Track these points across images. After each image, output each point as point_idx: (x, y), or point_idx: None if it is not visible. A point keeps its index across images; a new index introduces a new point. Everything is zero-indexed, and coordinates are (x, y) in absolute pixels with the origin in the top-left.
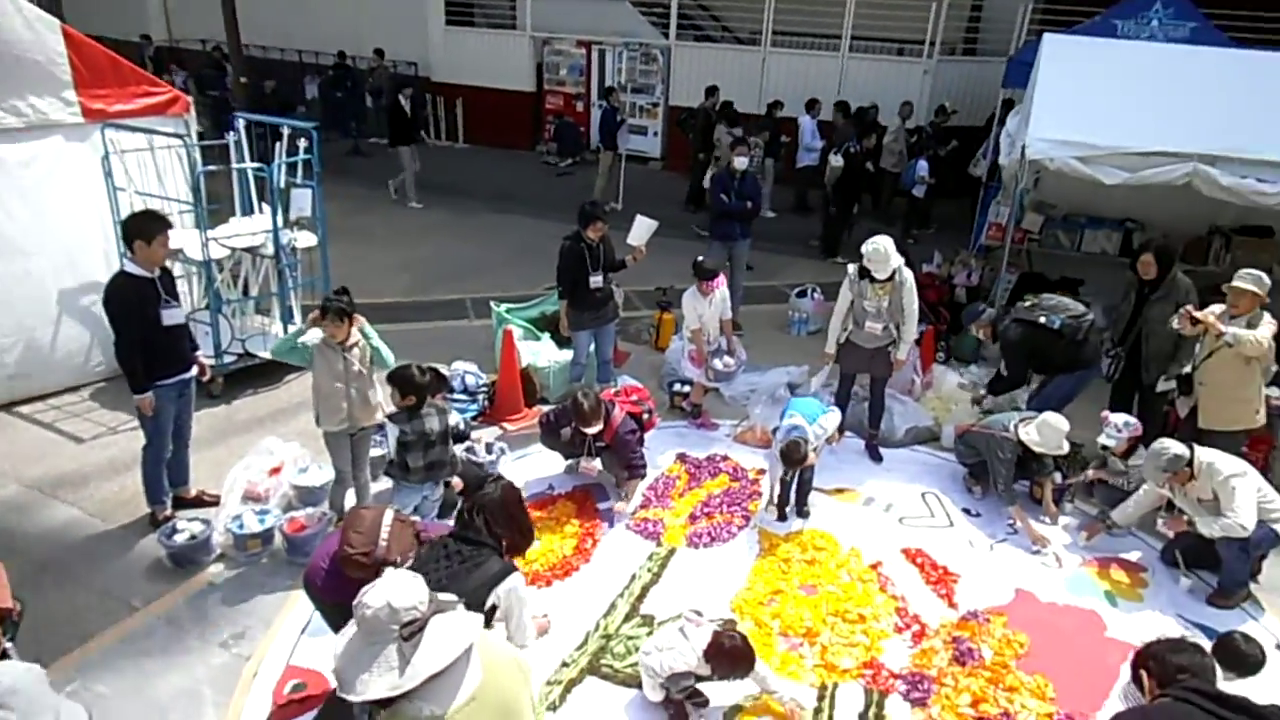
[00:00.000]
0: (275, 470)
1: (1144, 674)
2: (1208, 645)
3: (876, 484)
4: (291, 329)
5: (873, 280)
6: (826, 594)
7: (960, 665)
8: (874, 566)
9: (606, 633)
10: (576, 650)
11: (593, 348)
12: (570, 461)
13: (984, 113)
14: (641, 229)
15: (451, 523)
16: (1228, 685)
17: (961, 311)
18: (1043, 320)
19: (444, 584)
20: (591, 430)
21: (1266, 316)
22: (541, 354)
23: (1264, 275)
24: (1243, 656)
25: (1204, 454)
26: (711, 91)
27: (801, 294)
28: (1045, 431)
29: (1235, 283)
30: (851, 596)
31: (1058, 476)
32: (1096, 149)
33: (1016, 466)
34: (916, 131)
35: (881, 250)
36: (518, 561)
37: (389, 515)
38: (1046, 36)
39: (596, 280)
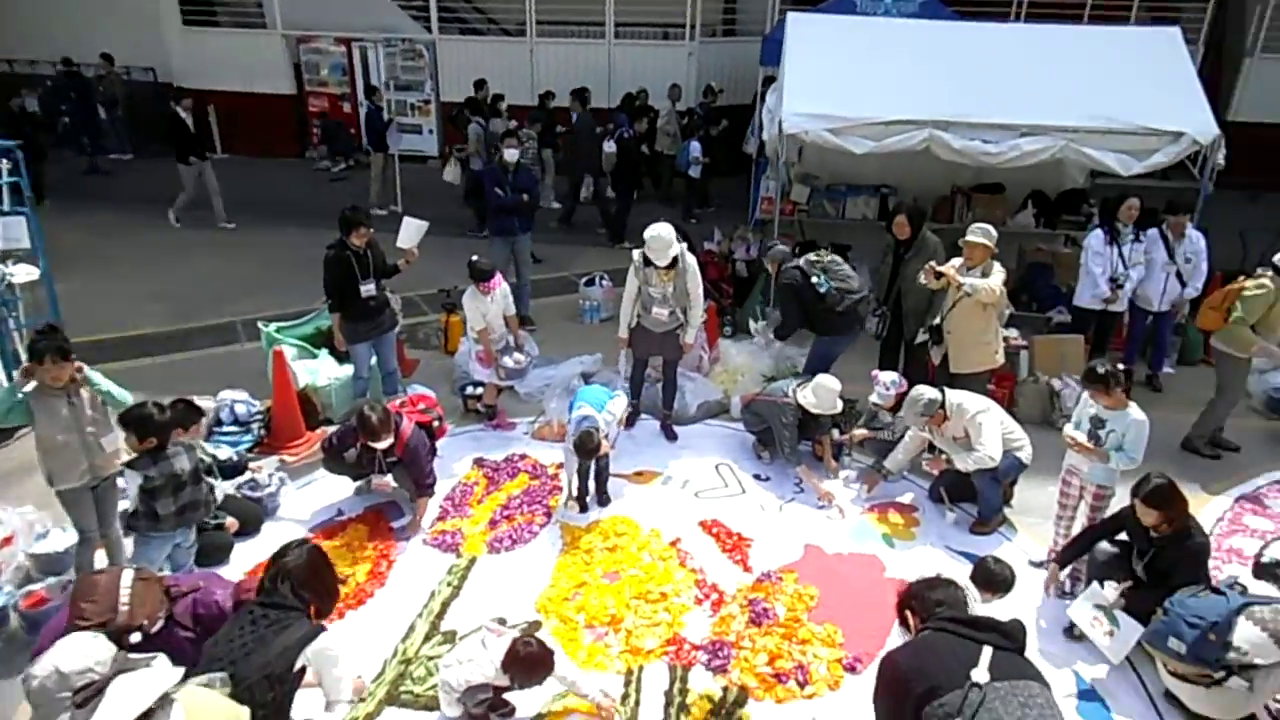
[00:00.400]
0: (6, 541)
1: (908, 613)
2: (967, 572)
3: (673, 462)
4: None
5: (656, 267)
6: (629, 578)
7: (757, 626)
8: (673, 543)
9: (405, 657)
10: (373, 682)
11: (374, 359)
12: (360, 482)
13: (749, 91)
14: (411, 230)
15: (219, 571)
16: (987, 605)
17: (745, 286)
18: (814, 280)
19: (249, 649)
20: (381, 445)
21: (997, 266)
22: (320, 372)
23: (991, 229)
24: (994, 576)
25: (954, 396)
26: (480, 85)
27: (590, 283)
28: (820, 393)
29: (968, 237)
30: (653, 576)
31: (836, 433)
32: (845, 120)
33: (798, 428)
34: (688, 113)
35: (662, 238)
36: None
37: (128, 576)
38: (790, 15)
39: (368, 288)
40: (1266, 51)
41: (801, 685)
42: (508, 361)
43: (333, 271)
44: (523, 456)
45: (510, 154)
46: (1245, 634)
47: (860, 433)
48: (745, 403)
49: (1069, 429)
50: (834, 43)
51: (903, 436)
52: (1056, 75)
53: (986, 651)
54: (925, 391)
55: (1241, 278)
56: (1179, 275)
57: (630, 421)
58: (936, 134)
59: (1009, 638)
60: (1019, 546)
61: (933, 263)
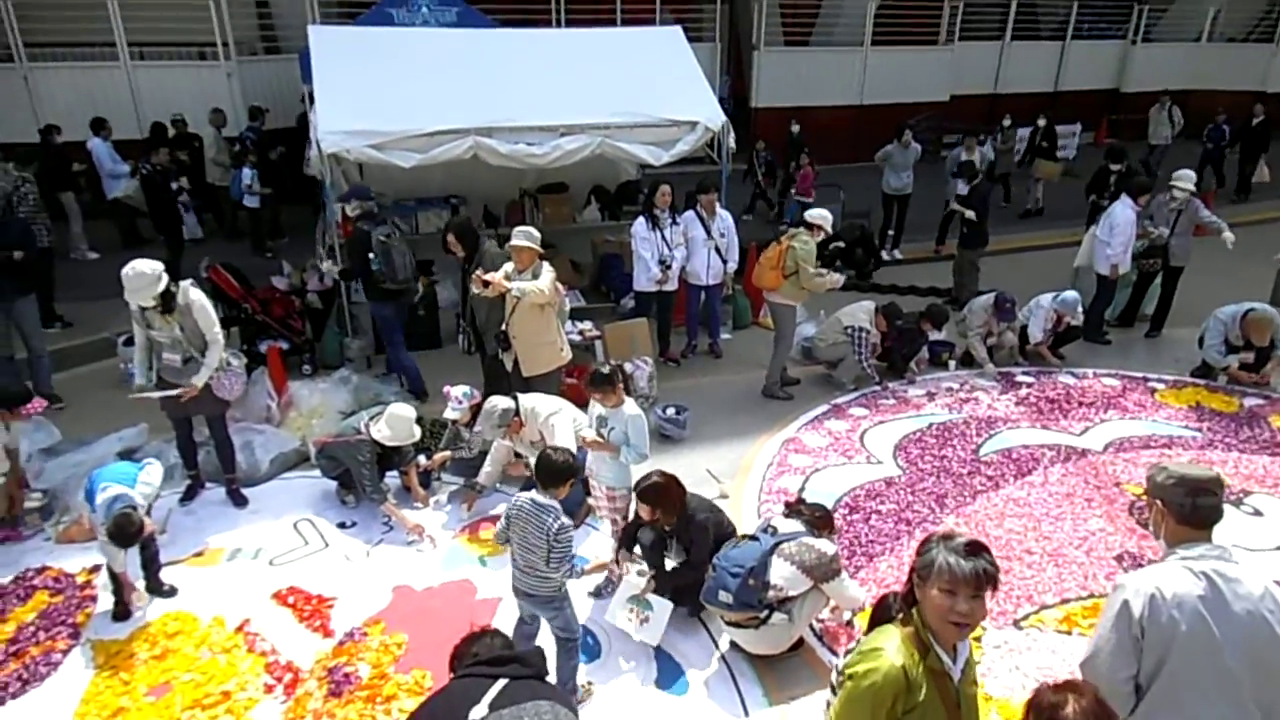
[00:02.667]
0: None
1: (452, 675)
2: None
3: (243, 531)
4: None
5: (153, 309)
6: (182, 686)
7: (337, 697)
8: (240, 628)
9: None
10: None
11: None
12: None
13: (300, 111)
14: None
15: None
16: None
17: (322, 319)
18: (370, 254)
19: None
20: None
21: (546, 266)
22: None
23: (533, 231)
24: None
25: (527, 401)
26: None
27: (130, 342)
28: (394, 424)
29: (512, 242)
30: (213, 675)
31: (423, 459)
32: (386, 135)
33: (380, 463)
34: (239, 139)
35: (132, 276)
36: None
37: None
38: (312, 29)
39: None
40: (769, 45)
41: None
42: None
43: None
44: (40, 570)
45: None
46: (779, 571)
47: (440, 456)
48: (319, 447)
49: (585, 431)
50: (364, 56)
51: (483, 451)
52: (586, 76)
53: (499, 684)
54: (499, 402)
55: (776, 242)
56: (718, 250)
57: (190, 494)
58: (481, 140)
59: (527, 664)
60: (605, 532)
61: (479, 271)
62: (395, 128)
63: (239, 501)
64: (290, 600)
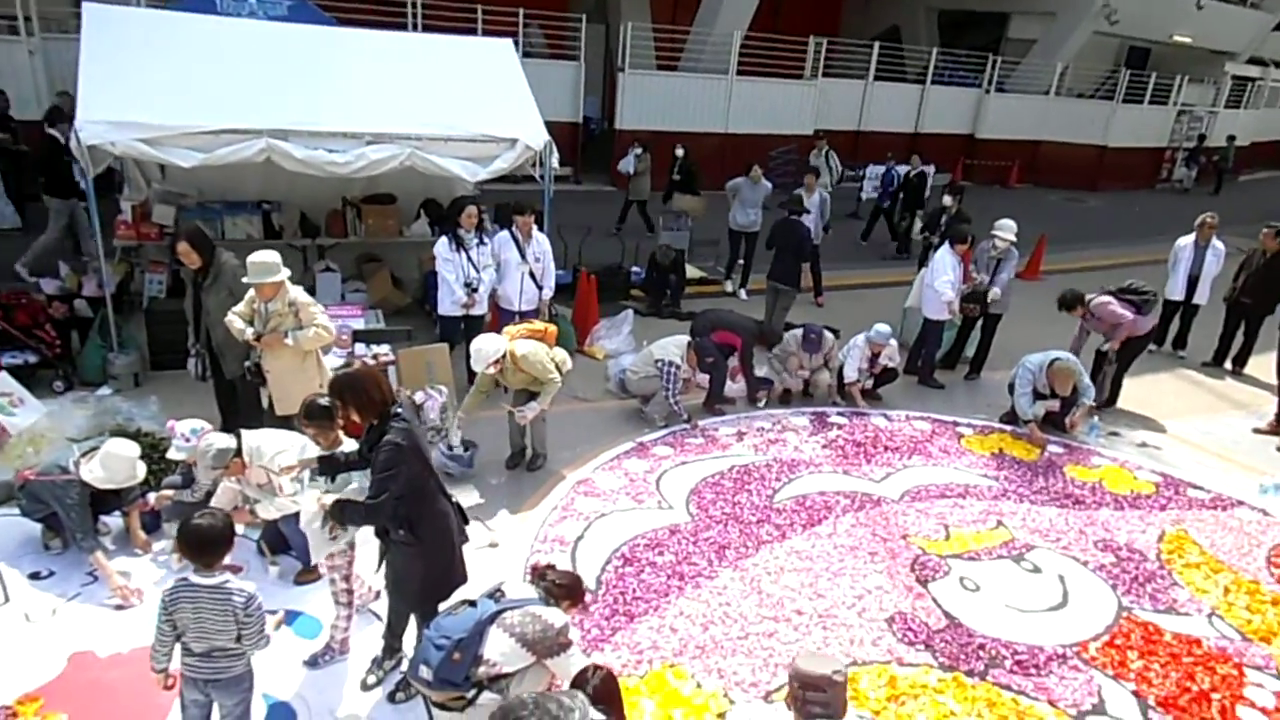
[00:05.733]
0: None
1: None
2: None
3: None
4: None
5: None
6: None
7: None
8: None
9: None
10: None
11: None
12: None
13: None
14: None
15: None
16: None
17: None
18: None
19: None
20: None
21: (300, 293)
22: None
23: (271, 256)
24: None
25: (251, 439)
26: None
27: None
28: (110, 463)
29: (250, 278)
30: None
31: (151, 497)
32: (161, 129)
33: (96, 504)
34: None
35: None
36: None
37: None
38: (87, 6)
39: None
40: (634, 68)
41: None
42: None
43: None
44: None
45: None
46: (496, 644)
47: (163, 494)
48: (20, 482)
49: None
50: (149, 41)
51: (209, 494)
52: (402, 83)
53: None
54: (215, 440)
55: None
56: (533, 275)
57: None
58: (275, 143)
59: None
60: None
61: (251, 328)
62: (172, 122)
63: None
64: None
